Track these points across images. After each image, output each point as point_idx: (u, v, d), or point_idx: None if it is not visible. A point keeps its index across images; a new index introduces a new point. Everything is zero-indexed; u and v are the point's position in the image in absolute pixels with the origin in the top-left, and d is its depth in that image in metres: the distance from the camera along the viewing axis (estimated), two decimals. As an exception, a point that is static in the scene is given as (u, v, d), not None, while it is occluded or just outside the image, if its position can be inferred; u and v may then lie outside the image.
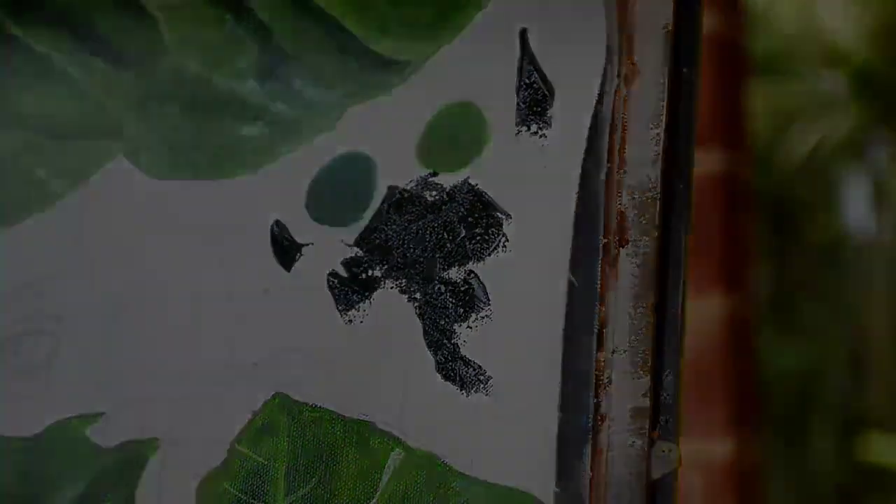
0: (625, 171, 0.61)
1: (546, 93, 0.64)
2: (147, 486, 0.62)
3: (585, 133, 0.62)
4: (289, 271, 0.65)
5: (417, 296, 0.62)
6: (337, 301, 0.64)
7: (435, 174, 0.65)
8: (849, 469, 5.96)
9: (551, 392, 0.58)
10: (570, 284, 0.59)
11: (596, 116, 0.62)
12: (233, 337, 0.65)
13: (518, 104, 0.65)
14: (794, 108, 5.76)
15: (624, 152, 0.61)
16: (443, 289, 0.62)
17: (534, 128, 0.64)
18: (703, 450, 2.24)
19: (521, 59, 0.65)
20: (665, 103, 0.61)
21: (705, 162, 2.29)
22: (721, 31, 2.36)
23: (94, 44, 0.72)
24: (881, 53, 5.58)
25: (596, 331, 0.58)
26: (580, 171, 0.61)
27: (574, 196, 0.61)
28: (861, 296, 6.31)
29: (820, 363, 6.33)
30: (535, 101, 0.64)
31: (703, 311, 2.27)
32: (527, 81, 0.65)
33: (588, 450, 0.56)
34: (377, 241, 0.64)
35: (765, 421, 2.91)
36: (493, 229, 0.63)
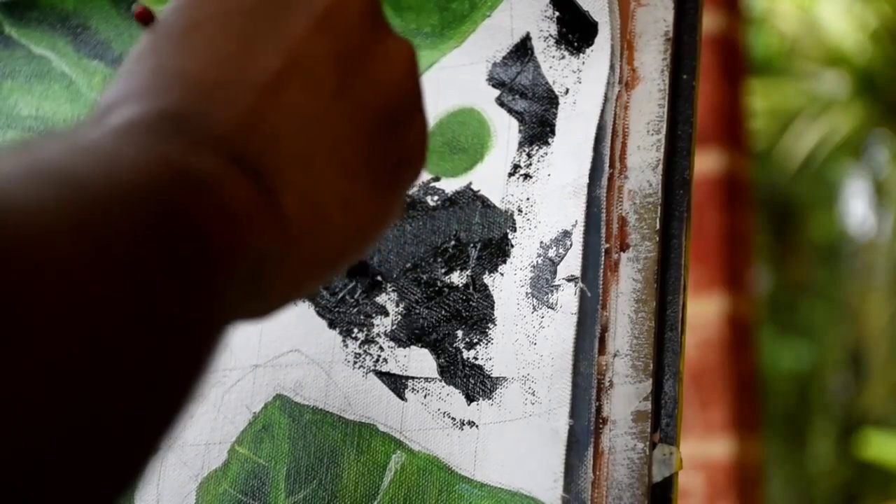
0: (626, 177, 0.61)
1: (550, 100, 0.64)
2: (146, 487, 0.62)
3: (591, 141, 0.62)
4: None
5: (418, 299, 0.62)
6: (338, 303, 0.64)
7: (437, 179, 0.65)
8: (848, 468, 5.97)
9: (561, 398, 0.57)
10: (581, 291, 0.59)
11: (598, 123, 0.62)
12: (233, 339, 0.65)
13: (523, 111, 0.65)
14: (794, 108, 5.77)
15: (625, 158, 0.61)
16: (445, 293, 0.62)
17: (539, 135, 0.64)
18: (703, 450, 2.24)
19: (526, 65, 0.65)
20: (665, 109, 0.61)
21: (705, 162, 2.30)
22: (721, 31, 2.36)
23: (94, 46, 0.72)
24: (882, 54, 5.58)
25: (597, 335, 0.58)
26: (587, 178, 0.61)
27: (582, 203, 0.61)
28: (861, 296, 6.32)
29: (820, 363, 6.33)
30: (539, 108, 0.64)
31: (703, 311, 2.27)
32: (531, 88, 0.65)
33: (590, 453, 0.56)
34: (378, 244, 0.64)
35: (765, 421, 2.92)
36: (496, 234, 0.62)
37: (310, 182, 0.40)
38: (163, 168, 0.35)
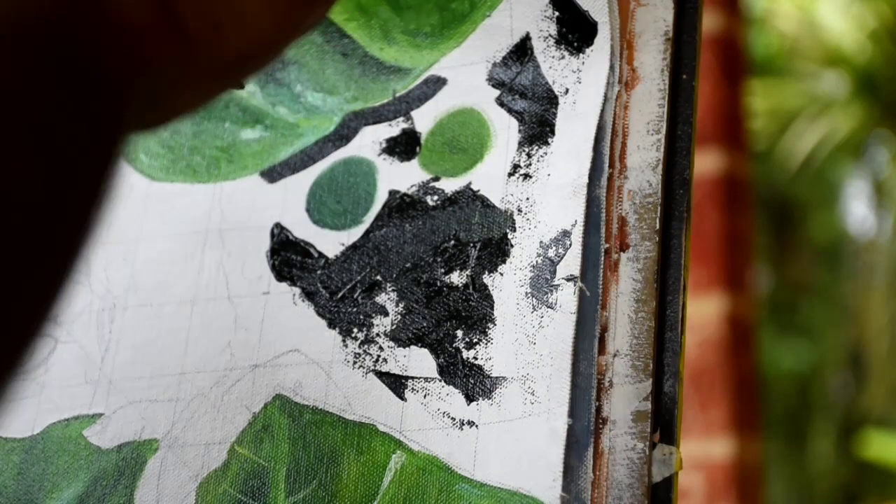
0: (625, 177, 0.61)
1: (550, 100, 0.64)
2: (146, 487, 0.62)
3: (591, 141, 0.62)
4: (289, 274, 0.65)
5: (418, 299, 0.62)
6: (337, 303, 0.64)
7: (437, 179, 0.65)
8: (848, 468, 5.98)
9: (560, 397, 0.57)
10: (580, 290, 0.59)
11: (598, 123, 0.62)
12: (232, 339, 0.65)
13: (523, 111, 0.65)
14: (794, 108, 5.77)
15: (625, 158, 0.62)
16: (444, 293, 0.62)
17: (538, 135, 0.64)
18: (703, 450, 2.24)
19: (525, 65, 0.65)
20: (665, 109, 0.61)
21: (705, 162, 2.30)
22: (721, 31, 2.36)
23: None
24: (881, 54, 5.59)
25: (597, 335, 0.58)
26: (586, 178, 0.61)
27: (582, 203, 0.61)
28: (861, 296, 6.32)
29: (820, 363, 6.34)
30: (539, 108, 0.64)
31: (703, 311, 2.27)
32: (531, 88, 0.65)
33: (590, 453, 0.56)
34: (378, 244, 0.64)
35: (765, 421, 2.92)
36: (496, 234, 0.62)
37: None
38: None
